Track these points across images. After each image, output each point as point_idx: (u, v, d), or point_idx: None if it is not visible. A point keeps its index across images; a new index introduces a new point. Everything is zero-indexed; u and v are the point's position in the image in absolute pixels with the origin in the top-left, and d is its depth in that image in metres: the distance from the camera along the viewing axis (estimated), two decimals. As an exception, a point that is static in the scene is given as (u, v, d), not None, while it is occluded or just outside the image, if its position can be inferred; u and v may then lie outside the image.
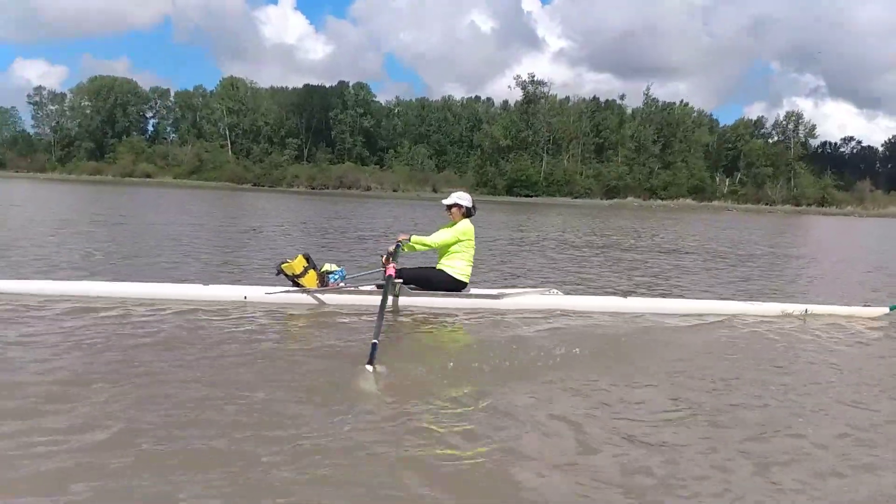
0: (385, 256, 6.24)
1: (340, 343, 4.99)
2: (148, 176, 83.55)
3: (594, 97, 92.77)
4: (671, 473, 2.94)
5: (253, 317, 5.69)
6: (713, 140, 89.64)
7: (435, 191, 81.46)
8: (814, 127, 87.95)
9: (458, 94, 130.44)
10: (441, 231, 6.49)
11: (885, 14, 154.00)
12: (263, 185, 79.71)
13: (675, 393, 4.12)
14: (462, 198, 6.57)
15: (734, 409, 3.87)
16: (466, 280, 6.49)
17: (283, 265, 6.23)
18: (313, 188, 78.25)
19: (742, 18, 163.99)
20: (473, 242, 6.55)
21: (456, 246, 6.44)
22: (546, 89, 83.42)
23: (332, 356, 4.59)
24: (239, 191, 69.66)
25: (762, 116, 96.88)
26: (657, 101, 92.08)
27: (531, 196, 73.96)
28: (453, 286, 6.42)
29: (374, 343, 4.49)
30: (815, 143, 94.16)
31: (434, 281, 6.42)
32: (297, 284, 6.20)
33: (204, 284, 6.50)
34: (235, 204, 34.83)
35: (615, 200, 72.30)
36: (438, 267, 6.51)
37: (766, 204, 76.68)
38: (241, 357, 4.43)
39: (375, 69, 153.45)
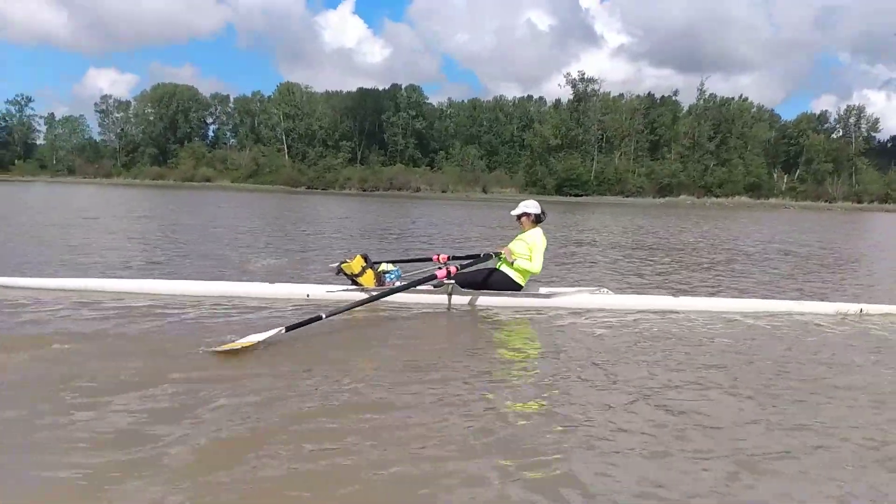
0: (445, 256, 6.52)
1: (402, 337, 5.32)
2: (207, 180, 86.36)
3: (649, 93, 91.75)
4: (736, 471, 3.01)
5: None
6: (771, 136, 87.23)
7: (485, 191, 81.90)
8: (877, 121, 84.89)
9: (516, 93, 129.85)
10: (535, 254, 6.46)
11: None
12: (317, 188, 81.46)
13: (727, 391, 4.17)
14: (530, 206, 6.67)
15: (786, 407, 3.90)
16: (523, 283, 6.57)
17: (342, 265, 6.47)
18: (364, 190, 79.59)
19: (807, 9, 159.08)
20: (542, 247, 6.58)
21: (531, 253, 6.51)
22: (597, 86, 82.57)
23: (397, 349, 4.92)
24: (294, 193, 71.24)
25: (826, 111, 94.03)
26: (715, 96, 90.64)
27: (581, 195, 73.55)
28: (510, 287, 6.51)
29: (321, 317, 5.01)
30: (883, 137, 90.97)
31: (491, 282, 6.53)
32: (355, 283, 6.39)
33: (270, 283, 6.75)
34: (291, 206, 35.54)
35: (667, 199, 71.20)
36: (499, 267, 6.62)
37: (826, 201, 74.31)
38: (303, 347, 4.83)
39: (433, 70, 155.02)
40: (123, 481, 2.69)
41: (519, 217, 6.70)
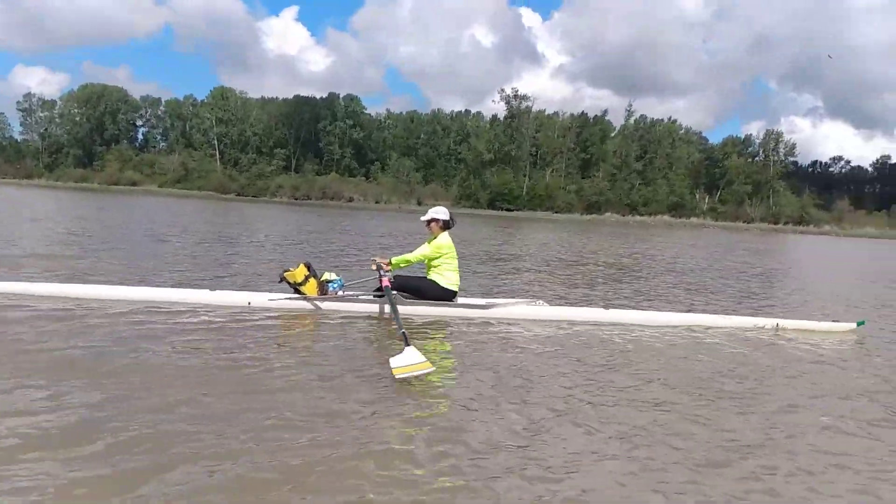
0: (376, 266, 6.66)
1: (342, 345, 5.42)
2: (133, 184, 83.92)
3: (583, 112, 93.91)
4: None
5: (256, 321, 6.00)
6: (695, 158, 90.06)
7: (420, 203, 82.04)
8: (794, 146, 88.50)
9: (459, 107, 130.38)
10: (421, 247, 6.84)
11: (883, 35, 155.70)
12: (248, 195, 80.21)
13: (650, 396, 4.47)
14: (438, 212, 6.94)
15: (702, 414, 4.18)
16: (456, 289, 6.80)
17: (285, 273, 6.56)
18: (296, 199, 78.71)
19: (742, 37, 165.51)
20: (455, 253, 6.87)
21: (439, 259, 6.76)
22: (530, 103, 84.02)
23: (338, 356, 5.03)
24: (223, 200, 70.07)
25: (751, 135, 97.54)
26: (645, 117, 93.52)
27: (512, 210, 74.56)
28: (443, 295, 6.73)
29: (403, 332, 5.08)
30: (804, 162, 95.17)
31: (424, 290, 6.73)
32: (298, 292, 6.51)
33: (211, 290, 6.77)
34: (220, 213, 35.23)
35: (593, 216, 72.88)
36: (429, 277, 6.81)
37: (745, 222, 77.30)
38: (240, 355, 4.85)
39: (376, 81, 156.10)
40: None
41: (428, 223, 6.94)
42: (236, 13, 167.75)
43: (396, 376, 4.42)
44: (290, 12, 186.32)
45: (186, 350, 4.82)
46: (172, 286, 7.27)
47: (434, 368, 4.57)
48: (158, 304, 6.28)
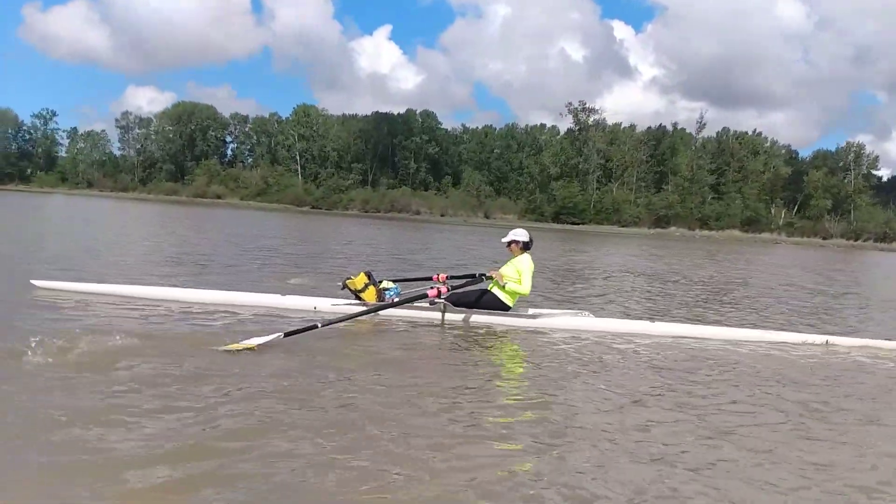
0: (444, 276, 7.12)
1: (394, 348, 5.86)
2: (218, 197, 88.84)
3: (660, 125, 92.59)
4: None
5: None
6: (770, 172, 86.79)
7: (487, 217, 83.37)
8: (876, 158, 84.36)
9: (549, 122, 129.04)
10: (524, 276, 6.97)
11: None
12: (322, 208, 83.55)
13: (683, 414, 4.42)
14: (518, 234, 7.20)
15: (739, 427, 4.19)
16: (511, 304, 7.05)
17: (347, 281, 6.96)
18: (366, 211, 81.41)
19: (843, 48, 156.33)
20: (531, 275, 7.10)
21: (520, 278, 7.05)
22: (598, 117, 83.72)
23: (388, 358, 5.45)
24: (297, 213, 73.32)
25: (840, 147, 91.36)
26: (727, 129, 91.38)
27: (578, 223, 74.52)
28: (499, 308, 7.02)
29: (317, 325, 5.62)
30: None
31: (482, 302, 7.03)
32: (358, 298, 6.84)
33: (282, 295, 7.34)
34: (294, 224, 37.37)
35: (657, 230, 71.88)
36: (491, 289, 7.09)
37: (823, 238, 74.26)
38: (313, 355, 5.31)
39: (464, 97, 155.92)
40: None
41: (508, 244, 7.24)
42: (331, 33, 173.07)
43: (225, 349, 5.03)
44: (384, 31, 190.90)
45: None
46: (247, 291, 7.72)
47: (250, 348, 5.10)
48: (236, 306, 6.87)
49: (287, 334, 5.39)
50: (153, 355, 4.79)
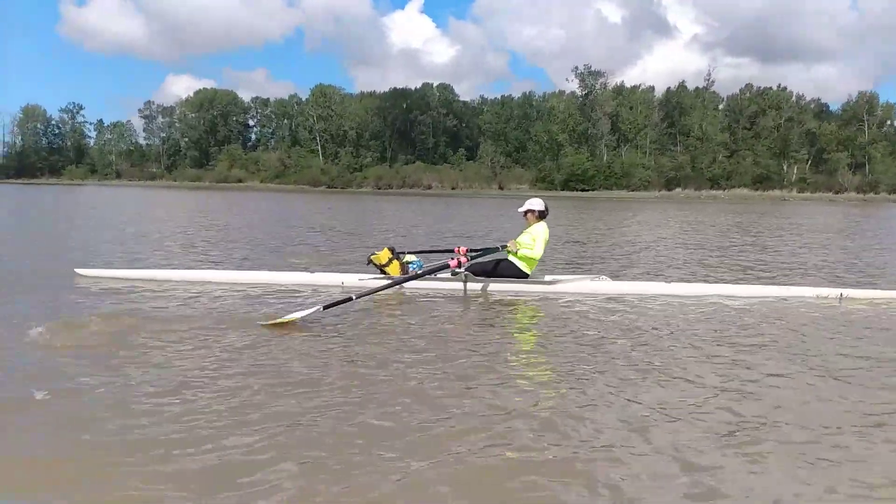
0: (465, 248, 7.38)
1: (420, 320, 6.10)
2: (239, 181, 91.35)
3: (681, 83, 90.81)
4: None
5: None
6: (782, 128, 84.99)
7: (501, 188, 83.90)
8: (891, 108, 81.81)
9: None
10: (537, 243, 7.33)
11: None
12: (336, 187, 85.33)
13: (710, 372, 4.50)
14: (534, 204, 7.58)
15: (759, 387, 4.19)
16: (529, 272, 7.39)
17: (372, 256, 7.29)
18: (379, 188, 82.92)
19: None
20: (545, 242, 7.48)
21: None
22: (604, 79, 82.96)
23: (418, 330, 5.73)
24: (311, 192, 74.98)
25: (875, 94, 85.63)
26: (751, 86, 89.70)
27: (587, 190, 74.66)
28: (517, 275, 7.37)
29: (351, 298, 6.04)
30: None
31: (500, 270, 7.39)
32: (383, 272, 7.20)
33: (310, 272, 7.79)
34: (289, 204, 38.05)
35: (662, 192, 71.79)
36: (509, 258, 7.45)
37: (836, 192, 73.04)
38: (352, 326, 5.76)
39: (501, 68, 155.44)
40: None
41: (525, 213, 7.64)
42: (362, 9, 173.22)
43: (267, 324, 5.44)
44: (415, 5, 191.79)
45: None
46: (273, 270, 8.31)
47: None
48: (268, 285, 7.35)
49: (326, 307, 5.73)
50: (195, 335, 5.12)
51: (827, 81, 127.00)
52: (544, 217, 7.59)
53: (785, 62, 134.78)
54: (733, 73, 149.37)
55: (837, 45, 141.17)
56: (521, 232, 7.57)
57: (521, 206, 7.70)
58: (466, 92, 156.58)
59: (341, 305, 5.96)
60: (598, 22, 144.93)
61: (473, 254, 7.35)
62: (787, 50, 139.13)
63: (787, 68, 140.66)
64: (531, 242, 7.31)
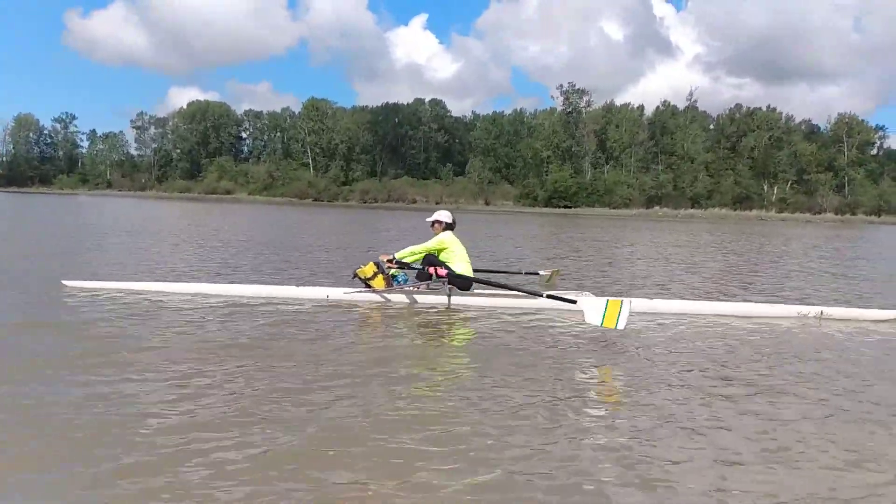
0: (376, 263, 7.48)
1: (406, 329, 6.38)
2: (228, 192, 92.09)
3: (665, 101, 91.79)
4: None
5: (336, 311, 6.98)
6: (763, 145, 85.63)
7: (487, 203, 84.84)
8: (871, 130, 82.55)
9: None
10: (430, 244, 7.67)
11: None
12: (323, 200, 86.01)
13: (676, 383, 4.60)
14: (441, 215, 7.96)
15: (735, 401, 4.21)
16: (470, 274, 7.62)
17: (357, 270, 7.43)
18: (365, 202, 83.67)
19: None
20: (456, 247, 7.68)
21: (445, 253, 7.60)
22: (588, 97, 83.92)
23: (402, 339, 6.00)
24: (298, 205, 75.14)
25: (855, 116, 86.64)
26: (740, 106, 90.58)
27: (569, 207, 75.34)
28: (461, 282, 7.54)
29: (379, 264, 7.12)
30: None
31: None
32: (368, 286, 7.36)
33: (297, 286, 7.86)
34: (279, 218, 36.51)
35: (639, 211, 72.51)
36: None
37: (815, 213, 73.69)
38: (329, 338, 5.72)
39: (503, 83, 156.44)
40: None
41: (432, 224, 8.02)
42: (366, 24, 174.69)
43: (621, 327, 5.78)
44: (419, 21, 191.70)
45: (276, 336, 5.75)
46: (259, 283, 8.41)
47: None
48: (254, 298, 7.40)
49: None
50: (180, 346, 5.19)
51: (830, 102, 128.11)
52: (451, 229, 7.90)
53: (787, 82, 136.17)
54: (734, 94, 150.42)
55: (841, 65, 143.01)
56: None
57: (430, 216, 8.09)
58: (469, 108, 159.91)
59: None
60: (600, 40, 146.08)
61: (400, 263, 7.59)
62: (789, 70, 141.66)
63: (789, 89, 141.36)
64: (435, 247, 7.61)
